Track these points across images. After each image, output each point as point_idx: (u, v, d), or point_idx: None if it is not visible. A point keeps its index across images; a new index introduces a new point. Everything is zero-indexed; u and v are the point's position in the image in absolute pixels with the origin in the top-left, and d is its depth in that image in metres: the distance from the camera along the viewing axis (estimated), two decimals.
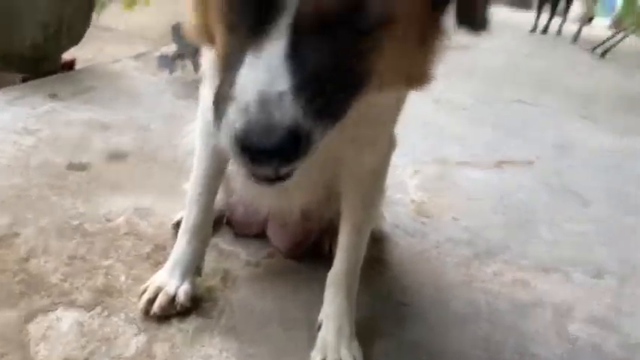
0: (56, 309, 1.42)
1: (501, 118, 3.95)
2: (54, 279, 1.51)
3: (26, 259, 1.56)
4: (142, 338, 1.40)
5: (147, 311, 1.46)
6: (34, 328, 1.35)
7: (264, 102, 0.72)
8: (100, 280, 1.54)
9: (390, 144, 1.43)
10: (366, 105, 0.98)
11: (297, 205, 1.56)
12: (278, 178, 0.88)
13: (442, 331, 1.63)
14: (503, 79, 5.23)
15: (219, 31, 0.87)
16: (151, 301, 1.46)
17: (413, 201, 2.43)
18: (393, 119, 1.32)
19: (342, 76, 0.81)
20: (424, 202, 2.43)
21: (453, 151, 3.12)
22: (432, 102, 4.02)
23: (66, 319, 1.40)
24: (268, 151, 0.73)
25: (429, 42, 0.97)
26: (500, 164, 3.07)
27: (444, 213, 2.36)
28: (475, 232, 2.23)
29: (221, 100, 0.77)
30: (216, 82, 0.84)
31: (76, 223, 1.76)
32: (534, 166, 3.13)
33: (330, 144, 1.09)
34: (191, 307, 1.50)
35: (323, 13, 0.76)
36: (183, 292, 1.49)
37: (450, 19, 1.00)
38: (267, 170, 0.83)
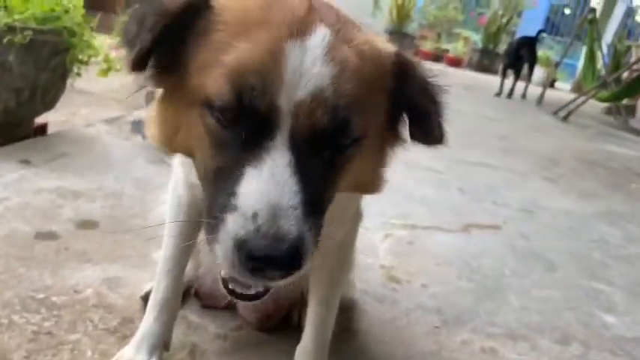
0: None
1: (468, 182, 4.06)
2: (17, 356, 1.48)
3: None
4: None
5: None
6: None
7: (275, 213, 0.76)
8: (65, 356, 1.52)
9: (356, 217, 1.47)
10: None
11: None
12: (257, 295, 0.94)
13: None
14: (470, 143, 5.39)
15: (202, 147, 0.90)
16: None
17: (383, 266, 2.46)
18: (356, 199, 1.37)
19: (327, 188, 0.90)
20: (394, 267, 2.46)
21: (421, 215, 3.18)
22: (402, 165, 4.12)
23: None
24: (275, 259, 0.77)
25: (385, 152, 1.07)
26: (467, 228, 3.13)
27: (413, 278, 2.39)
28: (444, 298, 2.26)
29: (216, 212, 0.80)
30: (205, 194, 0.89)
31: (42, 295, 1.74)
32: (501, 230, 3.21)
33: None
34: None
35: (317, 132, 0.83)
36: None
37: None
38: (269, 279, 0.84)
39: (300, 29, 0.84)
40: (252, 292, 0.93)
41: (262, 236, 0.75)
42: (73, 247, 2.06)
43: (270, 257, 0.76)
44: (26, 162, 2.74)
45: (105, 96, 4.45)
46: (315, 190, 0.83)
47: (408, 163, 4.17)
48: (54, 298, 1.74)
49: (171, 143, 0.99)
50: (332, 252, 1.44)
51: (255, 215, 0.76)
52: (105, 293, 1.82)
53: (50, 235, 2.11)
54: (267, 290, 0.93)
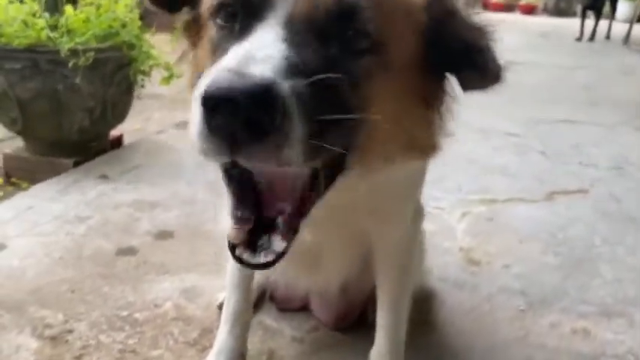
0: None
1: (550, 143, 3.83)
2: None
3: (79, 358, 1.62)
4: None
5: None
6: None
7: (247, 58, 0.66)
8: None
9: (417, 215, 1.40)
10: (382, 179, 1.00)
11: (334, 281, 1.56)
12: (266, 264, 0.84)
13: None
14: (549, 98, 5.09)
15: (206, 39, 0.89)
16: None
17: (461, 248, 2.37)
18: (411, 192, 1.30)
19: (335, 92, 0.77)
20: (473, 249, 2.37)
21: (501, 187, 3.04)
22: (476, 133, 3.95)
23: None
24: (236, 97, 0.63)
25: (432, 106, 0.96)
26: (551, 196, 2.96)
27: (494, 259, 2.29)
28: (528, 278, 2.15)
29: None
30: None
31: (125, 313, 1.82)
32: (589, 195, 3.01)
33: (350, 216, 1.09)
34: None
35: (317, 14, 0.76)
36: None
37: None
38: (234, 129, 0.67)
39: None
40: (260, 260, 0.83)
41: (225, 75, 0.65)
42: (151, 259, 2.14)
43: (230, 94, 0.63)
44: (104, 177, 2.87)
45: (175, 98, 4.56)
46: (317, 73, 0.71)
47: (482, 130, 4.00)
48: (136, 315, 1.82)
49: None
50: (395, 252, 1.39)
51: (227, 65, 0.67)
52: (183, 305, 1.87)
53: (130, 250, 2.20)
54: (276, 259, 0.83)
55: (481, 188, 3.00)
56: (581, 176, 3.25)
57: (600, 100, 5.28)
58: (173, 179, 2.85)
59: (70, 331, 1.72)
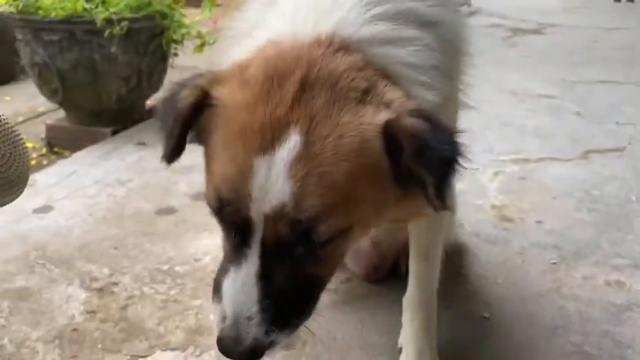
0: (154, 352, 1.54)
1: (586, 104, 3.75)
2: (150, 323, 1.64)
3: (125, 307, 1.71)
4: None
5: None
6: None
7: (236, 322, 0.91)
8: (191, 321, 1.66)
9: None
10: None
11: None
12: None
13: (529, 346, 1.59)
14: (586, 59, 4.96)
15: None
16: None
17: (494, 206, 2.38)
18: None
19: (314, 275, 0.98)
20: (505, 206, 2.37)
21: (534, 147, 3.01)
22: (509, 94, 3.91)
23: None
24: (235, 356, 0.93)
25: (407, 199, 0.98)
26: (586, 155, 2.92)
27: (527, 216, 2.29)
28: (561, 233, 2.15)
29: (216, 287, 0.96)
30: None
31: (166, 267, 1.90)
32: (625, 153, 2.95)
33: None
34: None
35: (282, 242, 0.91)
36: None
37: None
38: None
39: (272, 138, 0.87)
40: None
41: (226, 338, 0.91)
42: (189, 218, 2.22)
43: (232, 355, 0.93)
44: (142, 144, 2.95)
45: (207, 69, 4.62)
46: (285, 289, 0.92)
47: (516, 92, 3.95)
48: (177, 268, 1.90)
49: None
50: None
51: (224, 318, 0.92)
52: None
53: (169, 210, 2.28)
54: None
55: (514, 149, 2.98)
56: (618, 135, 3.19)
57: (638, 61, 5.12)
58: None
59: (115, 284, 1.81)
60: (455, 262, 1.91)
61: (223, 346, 0.92)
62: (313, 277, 0.98)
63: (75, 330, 1.62)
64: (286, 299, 0.93)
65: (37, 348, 1.55)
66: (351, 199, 0.91)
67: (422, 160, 0.89)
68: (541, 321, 1.69)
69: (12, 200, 1.15)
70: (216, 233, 2.04)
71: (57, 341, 1.58)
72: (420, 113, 0.90)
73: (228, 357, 0.94)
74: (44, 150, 3.25)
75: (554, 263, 1.97)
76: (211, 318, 1.01)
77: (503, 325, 1.68)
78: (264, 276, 0.91)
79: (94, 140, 3.03)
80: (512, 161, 2.82)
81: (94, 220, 2.20)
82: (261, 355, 0.93)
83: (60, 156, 3.11)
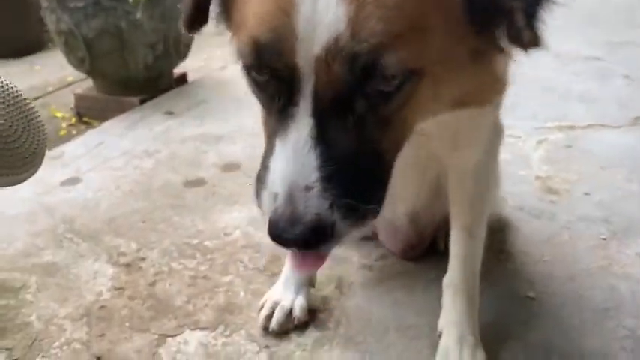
0: (183, 331, 1.49)
1: (635, 66, 3.52)
2: (179, 301, 1.59)
3: (153, 284, 1.66)
4: (262, 356, 1.43)
5: (266, 327, 1.48)
6: (165, 352, 1.43)
7: (291, 195, 0.74)
8: (221, 299, 1.60)
9: (494, 137, 1.30)
10: (452, 117, 0.94)
11: (402, 210, 1.50)
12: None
13: (577, 328, 1.49)
14: (633, 19, 4.66)
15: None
16: (269, 317, 1.49)
17: (538, 177, 2.24)
18: (488, 113, 1.19)
19: (378, 141, 0.79)
20: (550, 177, 2.24)
21: (580, 113, 2.83)
22: (553, 58, 3.69)
23: (192, 341, 1.47)
24: (293, 240, 0.76)
25: (483, 59, 0.86)
26: (637, 121, 2.74)
27: (573, 187, 2.15)
28: (611, 207, 2.01)
29: (259, 179, 0.81)
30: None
31: (195, 241, 1.84)
32: None
33: (421, 141, 1.02)
34: (308, 320, 1.51)
35: (338, 89, 0.74)
36: (298, 305, 1.50)
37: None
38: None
39: None
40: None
41: (279, 218, 0.75)
42: (219, 191, 2.15)
43: (288, 239, 0.76)
44: (170, 113, 2.89)
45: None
46: (350, 155, 0.76)
47: (559, 55, 3.73)
48: (206, 243, 1.84)
49: None
50: (471, 176, 1.31)
51: (275, 196, 0.76)
52: (252, 233, 1.87)
53: (198, 182, 2.22)
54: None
55: (558, 115, 2.81)
56: None
57: None
58: (237, 113, 2.83)
59: (143, 259, 1.77)
60: (497, 238, 1.80)
61: (278, 229, 0.75)
62: (378, 149, 0.80)
63: (103, 307, 1.58)
64: (349, 172, 0.76)
65: (64, 325, 1.52)
66: (420, 28, 0.74)
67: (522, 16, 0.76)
68: (590, 302, 1.58)
69: (28, 177, 1.09)
70: (246, 206, 1.99)
71: (85, 319, 1.54)
72: None
73: (285, 244, 0.78)
74: (73, 120, 3.22)
75: (604, 239, 1.84)
76: (259, 209, 0.83)
77: (549, 306, 1.57)
78: (320, 138, 0.74)
79: (122, 110, 2.98)
80: (556, 128, 2.66)
81: (122, 193, 2.15)
82: (325, 238, 0.75)
83: (89, 126, 3.08)
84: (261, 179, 0.80)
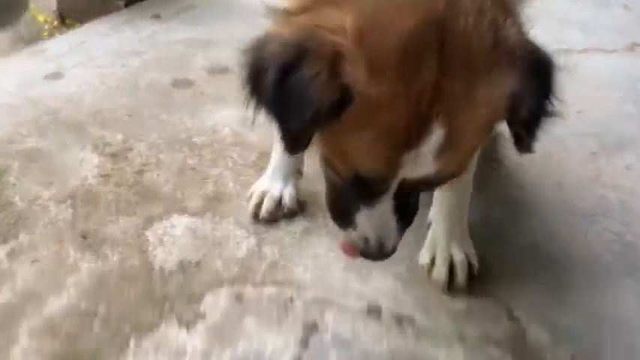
0: (170, 216, 1.48)
1: None
2: (166, 189, 1.57)
3: (140, 173, 1.63)
4: (252, 241, 1.42)
5: (256, 215, 1.47)
6: (151, 234, 1.42)
7: (380, 241, 1.05)
8: (209, 188, 1.58)
9: None
10: None
11: None
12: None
13: (565, 232, 1.51)
14: None
15: (326, 177, 1.08)
16: (259, 206, 1.48)
17: None
18: None
19: (417, 203, 1.09)
20: None
21: (577, 39, 2.78)
22: None
23: (179, 225, 1.45)
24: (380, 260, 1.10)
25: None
26: (634, 47, 2.70)
27: (567, 106, 2.11)
28: (604, 124, 2.00)
29: (340, 217, 1.08)
30: (328, 200, 1.11)
31: (183, 136, 1.80)
32: None
33: None
34: (297, 211, 1.50)
35: (416, 189, 1.02)
36: (288, 195, 1.48)
37: None
38: None
39: (418, 135, 0.86)
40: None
41: (371, 251, 1.07)
42: (208, 91, 2.09)
43: (377, 259, 1.10)
44: (157, 17, 2.77)
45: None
46: (411, 210, 1.07)
47: None
48: (195, 139, 1.80)
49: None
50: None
51: (367, 239, 1.05)
52: (241, 132, 1.83)
53: (186, 83, 2.15)
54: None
55: (555, 40, 2.74)
56: None
57: None
58: (227, 20, 2.72)
59: (130, 149, 1.73)
60: (490, 148, 1.78)
61: (370, 256, 1.08)
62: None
63: (88, 191, 1.55)
64: (411, 213, 1.08)
65: (49, 207, 1.49)
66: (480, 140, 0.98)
67: (529, 127, 0.95)
68: (579, 209, 1.59)
69: (8, 24, 1.01)
70: (236, 106, 1.94)
71: (69, 201, 1.51)
72: (535, 61, 0.94)
73: (374, 260, 1.10)
74: (55, 22, 3.08)
75: (595, 152, 1.84)
76: (344, 238, 1.12)
77: (538, 212, 1.58)
78: (398, 209, 1.01)
79: (106, 12, 2.84)
80: (553, 52, 2.61)
81: (107, 89, 2.08)
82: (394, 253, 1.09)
83: (72, 28, 2.95)
84: (347, 222, 1.06)
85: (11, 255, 1.34)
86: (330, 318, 1.24)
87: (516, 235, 1.50)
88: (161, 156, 1.70)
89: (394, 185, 0.96)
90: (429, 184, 1.00)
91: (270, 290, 1.30)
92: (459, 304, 1.29)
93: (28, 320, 1.19)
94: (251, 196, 1.50)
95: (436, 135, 0.86)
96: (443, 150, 0.88)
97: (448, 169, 0.93)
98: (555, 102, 0.99)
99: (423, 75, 0.83)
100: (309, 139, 0.94)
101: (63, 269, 1.31)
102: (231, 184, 1.60)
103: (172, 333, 1.18)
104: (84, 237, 1.40)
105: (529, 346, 1.21)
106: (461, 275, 1.31)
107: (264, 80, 0.91)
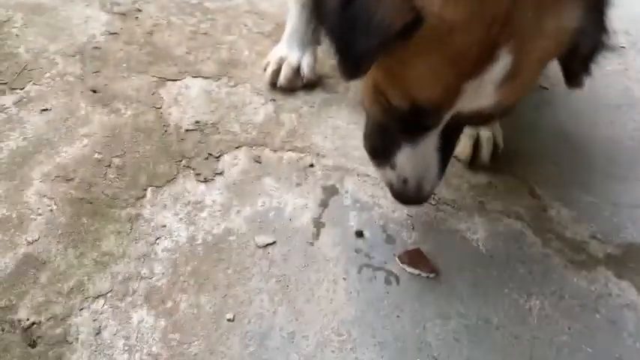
0: (184, 77, 1.41)
1: None
2: (179, 51, 1.49)
3: (151, 33, 1.54)
4: (269, 107, 1.37)
5: (273, 83, 1.41)
6: (165, 93, 1.36)
7: (419, 183, 1.01)
8: (224, 54, 1.50)
9: None
10: None
11: None
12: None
13: (589, 118, 1.47)
14: None
15: (374, 107, 1.01)
16: (276, 73, 1.41)
17: None
18: None
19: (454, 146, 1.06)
20: None
21: None
22: None
23: (194, 86, 1.39)
24: (417, 203, 1.08)
25: None
26: None
27: None
28: (634, 20, 1.92)
29: (379, 154, 1.06)
30: (368, 133, 1.08)
31: (195, 1, 1.69)
32: None
33: None
34: (316, 83, 1.44)
35: (465, 123, 0.97)
36: (306, 64, 1.41)
37: None
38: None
39: (484, 61, 0.82)
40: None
41: (408, 193, 1.03)
42: None
43: (414, 205, 1.11)
44: None
45: None
46: (452, 150, 1.04)
47: None
48: (207, 4, 1.69)
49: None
50: None
51: (405, 180, 1.02)
52: (256, 1, 1.73)
53: None
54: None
55: None
56: None
57: None
58: None
59: (140, 10, 1.62)
60: None
61: (406, 198, 1.05)
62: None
63: (97, 48, 1.46)
64: (446, 160, 1.04)
65: (56, 60, 1.41)
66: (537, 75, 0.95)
67: (585, 62, 0.92)
68: (604, 98, 1.55)
69: None
70: None
71: (77, 56, 1.43)
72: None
73: (409, 204, 1.10)
74: None
75: (623, 47, 1.77)
76: (382, 177, 1.08)
77: (564, 98, 1.53)
78: (440, 148, 0.99)
79: None
80: None
81: None
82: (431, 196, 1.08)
83: None
84: (385, 161, 1.03)
85: (19, 103, 1.28)
86: (349, 184, 1.22)
87: (542, 121, 1.46)
88: (172, 18, 1.61)
89: (446, 119, 0.91)
90: (480, 118, 0.93)
91: (289, 155, 1.26)
92: (481, 178, 1.27)
93: (41, 166, 1.15)
94: (268, 64, 1.43)
95: (502, 63, 0.82)
96: (505, 80, 0.84)
97: (505, 103, 0.88)
98: (610, 36, 0.93)
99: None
100: (372, 63, 0.87)
101: (74, 119, 1.26)
102: (246, 52, 1.52)
103: (190, 186, 1.15)
104: (94, 91, 1.33)
105: (549, 221, 1.20)
106: (486, 150, 1.27)
107: (328, 4, 0.87)
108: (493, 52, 0.81)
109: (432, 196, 1.11)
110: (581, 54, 0.89)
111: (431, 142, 0.97)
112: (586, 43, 0.87)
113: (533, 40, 0.82)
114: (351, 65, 0.88)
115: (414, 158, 0.99)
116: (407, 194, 1.03)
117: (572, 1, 0.83)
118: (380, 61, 0.88)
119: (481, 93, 0.85)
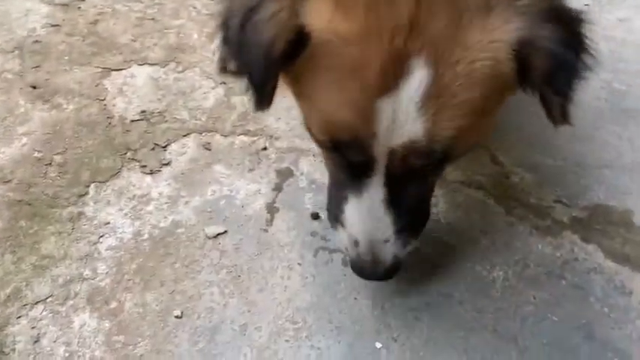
0: (130, 66, 1.35)
1: None
2: (124, 39, 1.43)
3: (95, 23, 1.48)
4: (219, 91, 1.32)
5: (224, 67, 1.36)
6: (110, 84, 1.30)
7: (372, 246, 0.88)
8: (172, 39, 1.44)
9: None
10: None
11: None
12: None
13: None
14: None
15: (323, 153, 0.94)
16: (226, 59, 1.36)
17: None
18: None
19: (426, 194, 0.95)
20: None
21: None
22: None
23: (140, 75, 1.34)
24: (374, 278, 0.94)
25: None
26: None
27: None
28: None
29: (334, 215, 0.93)
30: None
31: None
32: None
33: None
34: None
35: (411, 172, 0.83)
36: None
37: None
38: None
39: (395, 75, 0.73)
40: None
41: (362, 262, 0.90)
42: None
43: (372, 278, 0.94)
44: None
45: None
46: (412, 207, 0.89)
47: None
48: None
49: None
50: None
51: (356, 242, 0.89)
52: None
53: None
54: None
55: None
56: None
57: None
58: None
59: (82, 0, 1.56)
60: None
61: (364, 272, 0.92)
62: (428, 197, 0.97)
63: (37, 42, 1.40)
64: (414, 215, 0.91)
65: None
66: (483, 119, 0.83)
67: (552, 82, 0.78)
68: None
69: None
70: None
71: (16, 51, 1.37)
72: (550, 12, 0.76)
73: (367, 278, 0.95)
74: None
75: (587, 5, 1.73)
76: (337, 240, 0.97)
77: None
78: (390, 202, 0.86)
79: None
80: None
81: None
82: (399, 268, 0.93)
83: None
84: (336, 217, 0.92)
85: None
86: (305, 165, 1.18)
87: None
88: (117, 6, 1.54)
89: (381, 160, 0.81)
90: (425, 157, 0.80)
91: (241, 139, 1.22)
92: None
93: None
94: (218, 48, 1.38)
95: (417, 76, 0.73)
96: (429, 98, 0.74)
97: (444, 132, 0.77)
98: (588, 59, 0.81)
99: (397, 7, 0.72)
100: (273, 90, 0.81)
101: (13, 118, 1.21)
102: (195, 36, 1.46)
103: (136, 179, 1.11)
104: (34, 87, 1.28)
105: (512, 188, 1.16)
106: None
107: (231, 27, 0.81)
108: (403, 64, 0.73)
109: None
110: (542, 72, 0.77)
111: (375, 192, 0.85)
112: (541, 57, 0.76)
113: (453, 51, 0.74)
114: (253, 92, 0.82)
115: (358, 211, 0.87)
116: (362, 262, 0.90)
117: (509, 12, 0.75)
118: (296, 92, 0.85)
119: (402, 114, 0.75)
